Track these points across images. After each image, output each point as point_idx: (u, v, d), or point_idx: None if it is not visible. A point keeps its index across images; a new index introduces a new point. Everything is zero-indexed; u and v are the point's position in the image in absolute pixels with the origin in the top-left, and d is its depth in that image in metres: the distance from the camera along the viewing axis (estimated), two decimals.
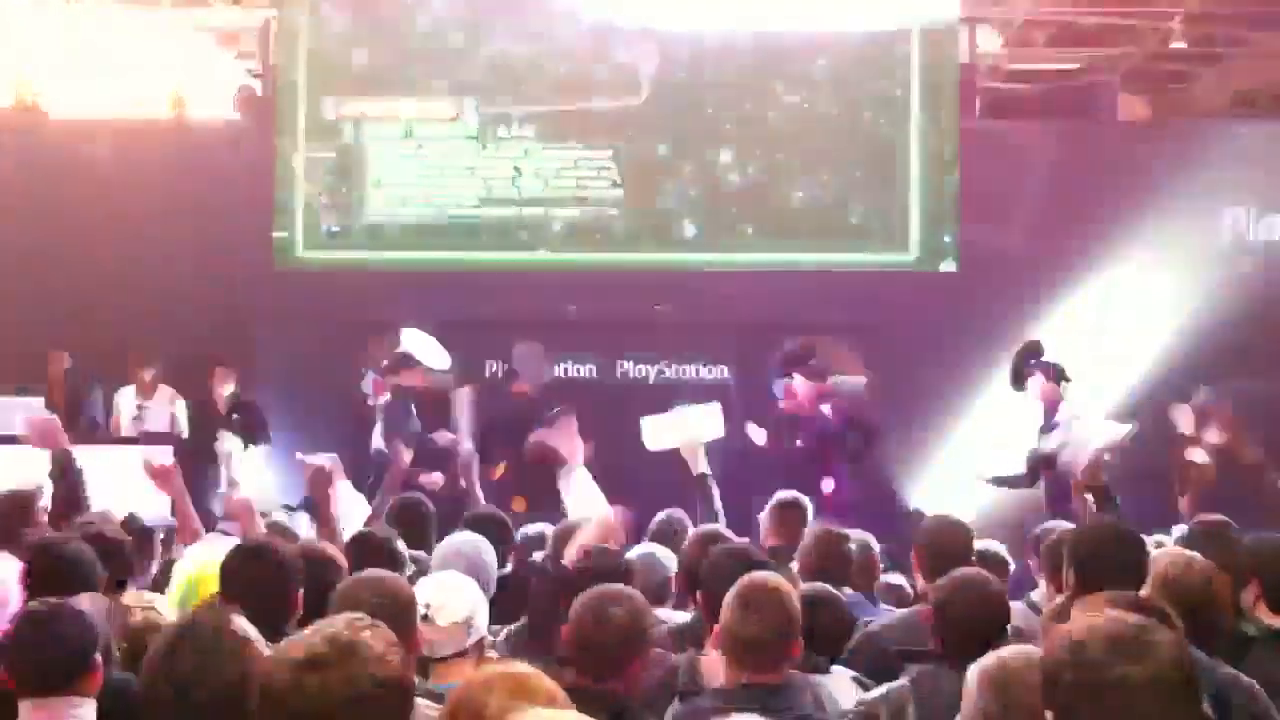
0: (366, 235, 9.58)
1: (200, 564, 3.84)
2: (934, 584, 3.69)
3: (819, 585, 4.08)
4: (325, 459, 5.60)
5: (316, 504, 5.05)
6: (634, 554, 4.51)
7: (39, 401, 8.21)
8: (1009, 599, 4.76)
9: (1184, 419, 7.96)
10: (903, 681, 3.41)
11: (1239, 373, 8.93)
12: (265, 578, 3.42)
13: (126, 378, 8.86)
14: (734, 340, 9.25)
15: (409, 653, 3.11)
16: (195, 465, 7.82)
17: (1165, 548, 4.08)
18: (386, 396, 8.00)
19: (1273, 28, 11.63)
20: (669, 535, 5.16)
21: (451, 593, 3.35)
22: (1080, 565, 3.74)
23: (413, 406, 7.89)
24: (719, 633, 3.23)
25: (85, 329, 8.88)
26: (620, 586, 3.40)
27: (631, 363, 9.45)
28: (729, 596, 3.24)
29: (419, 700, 2.69)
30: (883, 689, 3.42)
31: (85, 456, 6.47)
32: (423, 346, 8.04)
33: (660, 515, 5.53)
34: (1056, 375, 7.83)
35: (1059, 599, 4.08)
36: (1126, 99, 11.11)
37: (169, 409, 8.72)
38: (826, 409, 8.36)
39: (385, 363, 8.13)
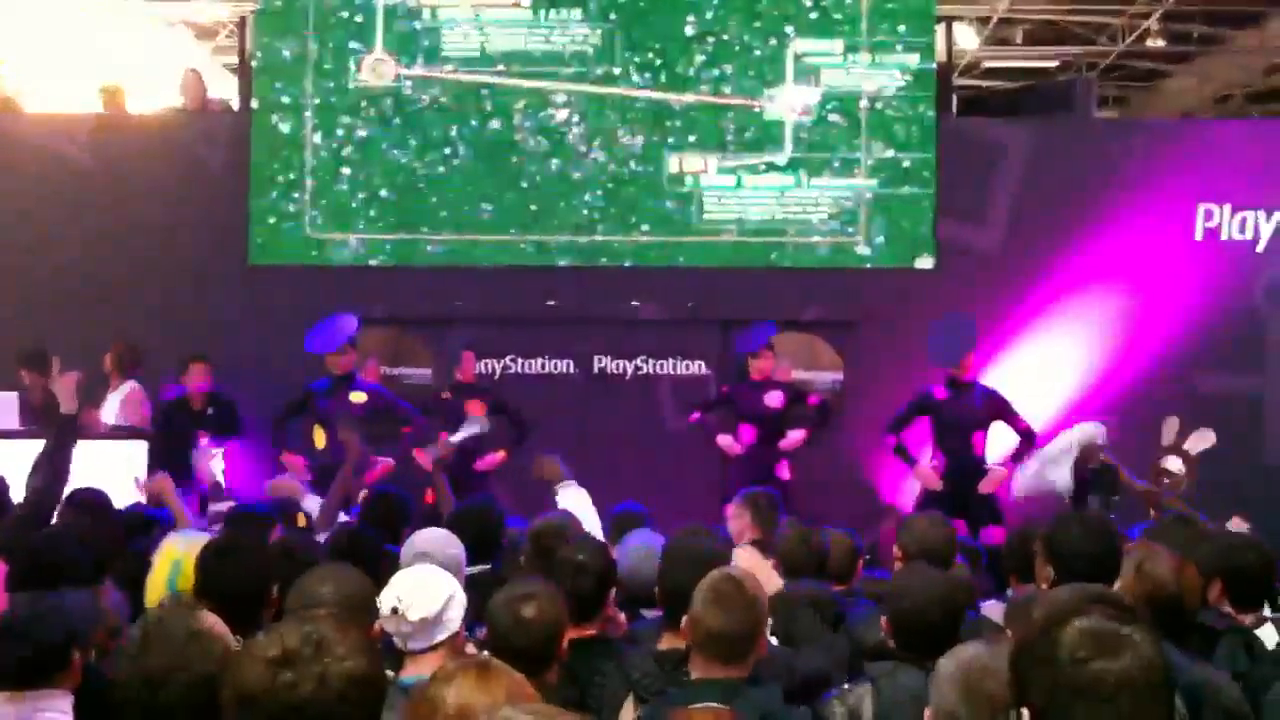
0: (330, 231, 9.45)
1: (186, 549, 3.82)
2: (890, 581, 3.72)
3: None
4: (289, 484, 5.65)
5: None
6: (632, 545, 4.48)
7: (11, 397, 8.17)
8: (989, 597, 4.81)
9: (1168, 429, 8.02)
10: (861, 680, 3.42)
11: (1212, 370, 9.01)
12: (240, 574, 3.42)
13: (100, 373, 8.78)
14: (714, 335, 9.26)
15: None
16: (169, 459, 7.80)
17: (1135, 543, 4.09)
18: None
19: (1248, 25, 11.70)
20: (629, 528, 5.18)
21: (424, 587, 3.34)
22: (1056, 558, 3.76)
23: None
24: (687, 626, 3.24)
25: (57, 326, 8.81)
26: (535, 583, 3.41)
27: (609, 359, 9.44)
28: (699, 590, 3.24)
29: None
30: (841, 687, 3.43)
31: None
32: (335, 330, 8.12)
33: (620, 508, 5.57)
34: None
35: (1031, 591, 4.11)
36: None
37: (136, 403, 8.64)
38: (774, 396, 8.49)
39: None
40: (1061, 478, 7.44)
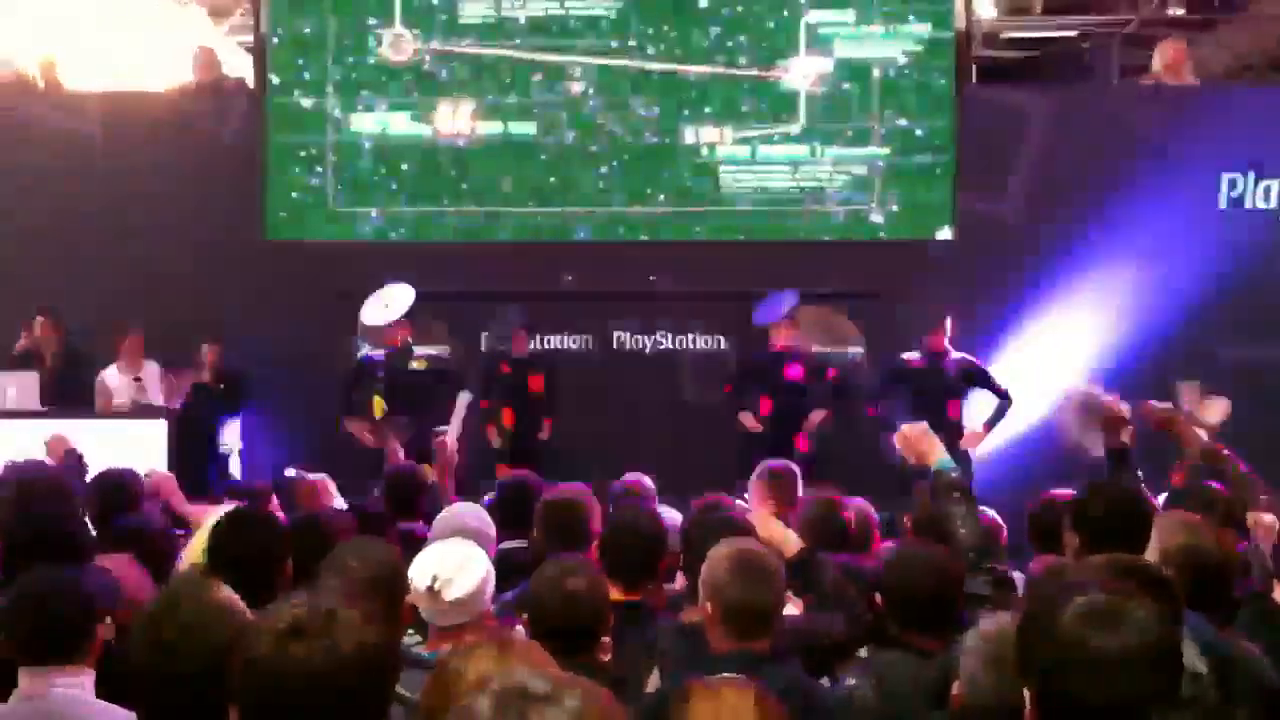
0: (351, 205, 9.47)
1: None
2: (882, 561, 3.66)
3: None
4: (316, 478, 5.65)
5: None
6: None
7: (32, 376, 8.19)
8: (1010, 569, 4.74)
9: (1188, 396, 7.91)
10: (858, 668, 3.36)
11: (1235, 339, 8.90)
12: (254, 547, 3.41)
13: (113, 352, 8.79)
14: (731, 310, 9.20)
15: (398, 621, 3.09)
16: (185, 436, 7.84)
17: (1169, 512, 4.02)
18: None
19: None
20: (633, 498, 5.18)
21: (462, 567, 3.30)
22: (1083, 527, 3.70)
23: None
24: (706, 596, 3.18)
25: (72, 303, 8.82)
26: (577, 558, 3.37)
27: (627, 333, 9.42)
28: (718, 560, 3.19)
29: (411, 668, 2.67)
30: (852, 674, 3.37)
31: (80, 429, 6.51)
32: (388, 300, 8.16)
33: (621, 481, 5.56)
34: None
35: (1054, 561, 4.05)
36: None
37: (156, 382, 8.67)
38: (794, 368, 8.51)
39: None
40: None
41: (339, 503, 5.76)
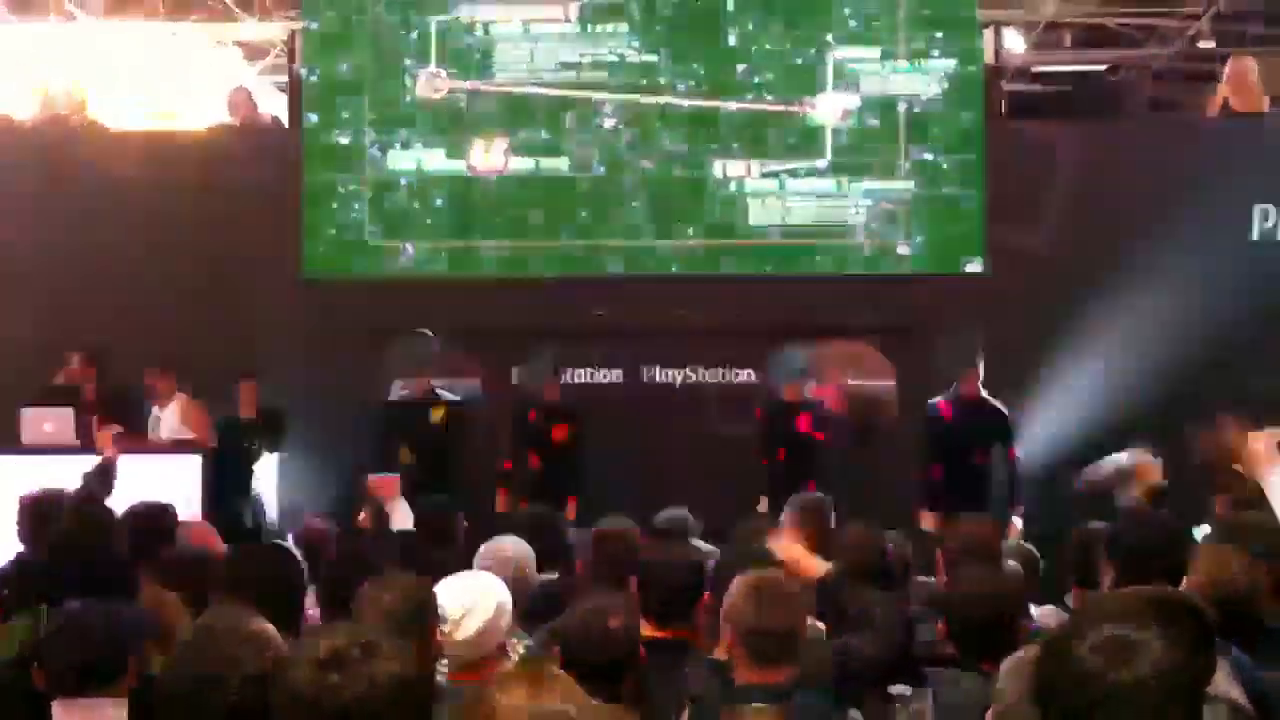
0: (386, 240, 9.57)
1: None
2: (943, 586, 3.66)
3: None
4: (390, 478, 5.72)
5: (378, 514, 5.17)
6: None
7: (68, 413, 8.26)
8: (1043, 601, 4.73)
9: (1229, 428, 7.83)
10: (921, 688, 3.36)
11: (1269, 374, 8.83)
12: (272, 580, 3.44)
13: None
14: (762, 344, 9.20)
15: (430, 653, 3.11)
16: (221, 473, 7.87)
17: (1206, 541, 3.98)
18: None
19: None
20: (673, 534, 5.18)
21: (468, 607, 3.32)
22: (1119, 558, 3.68)
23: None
24: (725, 624, 3.17)
25: (110, 341, 8.88)
26: (611, 595, 3.37)
27: (657, 367, 9.45)
28: (740, 591, 3.19)
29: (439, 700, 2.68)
30: (901, 691, 3.37)
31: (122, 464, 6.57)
32: None
33: (664, 514, 5.56)
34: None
35: (1094, 594, 4.02)
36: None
37: (182, 417, 8.71)
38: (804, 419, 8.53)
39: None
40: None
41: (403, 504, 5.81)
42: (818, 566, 3.82)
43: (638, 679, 3.12)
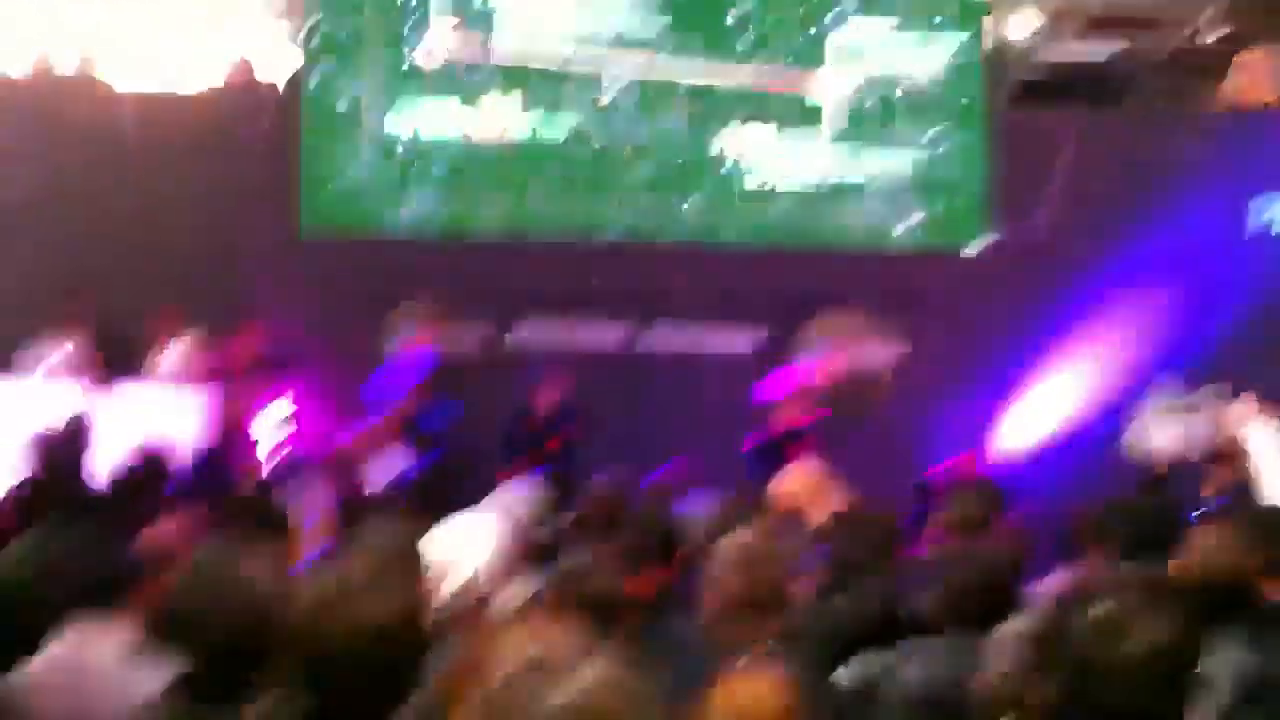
0: (388, 203, 9.55)
1: None
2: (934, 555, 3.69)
3: None
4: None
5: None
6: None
7: (71, 346, 8.29)
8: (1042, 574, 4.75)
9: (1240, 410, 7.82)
10: (901, 653, 3.38)
11: (1266, 367, 8.85)
12: (269, 511, 3.50)
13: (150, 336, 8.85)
14: (761, 315, 9.20)
15: (422, 596, 3.13)
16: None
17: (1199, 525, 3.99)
18: None
19: None
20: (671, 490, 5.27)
21: (455, 559, 3.36)
22: (1109, 539, 3.71)
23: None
24: (710, 589, 3.21)
25: (107, 301, 8.87)
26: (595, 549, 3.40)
27: (655, 335, 9.45)
28: (726, 552, 3.23)
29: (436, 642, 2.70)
30: (880, 661, 3.39)
31: (123, 394, 6.61)
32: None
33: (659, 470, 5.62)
34: None
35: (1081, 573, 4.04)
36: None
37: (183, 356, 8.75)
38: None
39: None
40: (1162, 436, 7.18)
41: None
42: (823, 508, 3.85)
43: (625, 629, 3.16)
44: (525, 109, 9.48)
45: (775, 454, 8.08)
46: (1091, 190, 9.24)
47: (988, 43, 9.59)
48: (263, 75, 10.23)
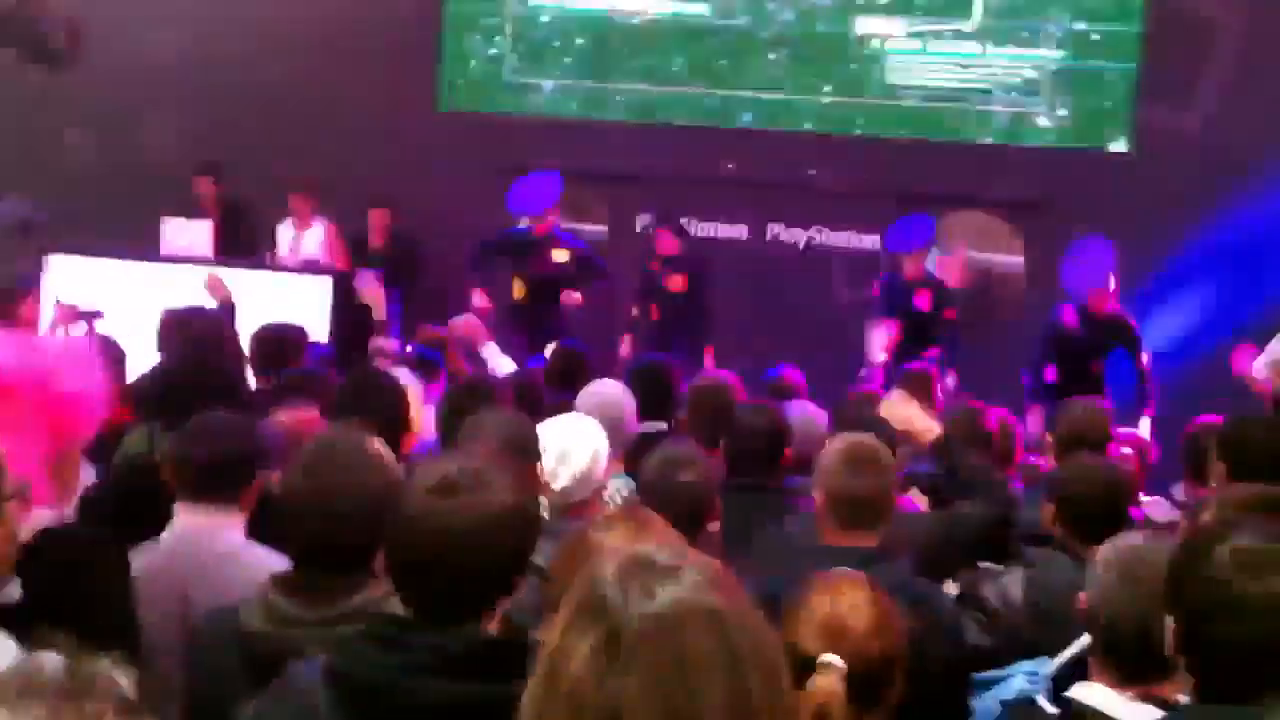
0: (526, 77, 9.55)
1: None
2: (1054, 469, 3.66)
3: None
4: (471, 324, 5.84)
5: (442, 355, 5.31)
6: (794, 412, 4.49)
7: (206, 225, 8.50)
8: (1151, 493, 4.69)
9: None
10: (1012, 565, 3.38)
11: None
12: (382, 399, 3.58)
13: (286, 209, 9.05)
14: (891, 209, 9.06)
15: (533, 488, 3.21)
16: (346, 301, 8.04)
17: None
18: None
19: None
20: (783, 393, 5.26)
21: (563, 455, 3.42)
22: (1229, 457, 3.65)
23: None
24: (818, 486, 3.21)
25: (245, 158, 9.06)
26: (687, 447, 3.46)
27: (783, 226, 9.37)
28: (831, 451, 3.22)
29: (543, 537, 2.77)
30: (990, 570, 3.39)
31: (246, 280, 6.76)
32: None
33: (772, 372, 5.62)
34: None
35: (1204, 494, 3.98)
36: None
37: (322, 241, 8.93)
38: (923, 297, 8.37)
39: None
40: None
41: (491, 346, 5.94)
42: (930, 429, 3.84)
43: (713, 530, 3.22)
44: None
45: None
46: (1250, 82, 8.80)
47: None
48: None
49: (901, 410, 3.89)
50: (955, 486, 3.81)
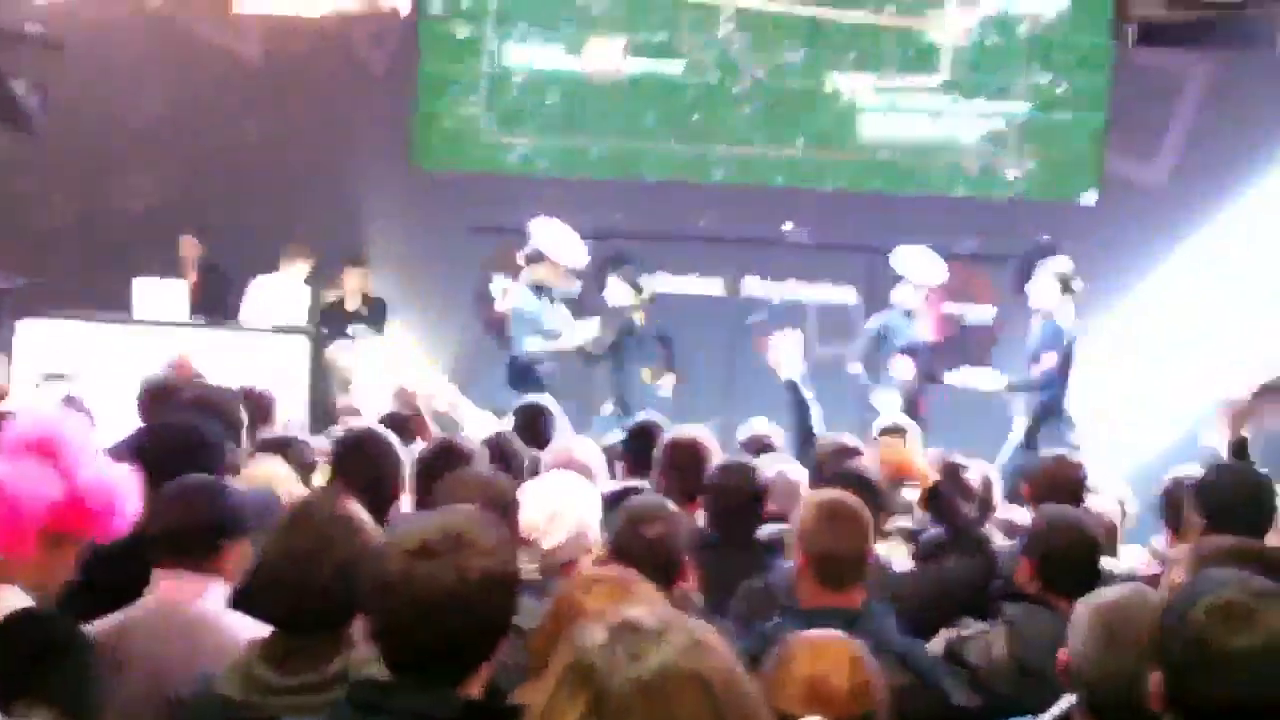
0: (500, 135, 9.60)
1: None
2: (1031, 521, 3.66)
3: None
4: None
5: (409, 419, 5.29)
6: (766, 468, 4.50)
7: (182, 285, 8.49)
8: (1132, 543, 4.71)
9: None
10: (993, 622, 3.37)
11: None
12: (375, 463, 3.55)
13: (260, 266, 9.04)
14: (862, 262, 9.11)
15: (513, 548, 3.18)
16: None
17: None
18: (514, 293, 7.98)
19: None
20: (760, 449, 5.26)
21: (553, 515, 3.40)
22: (1206, 509, 3.66)
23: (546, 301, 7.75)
24: (796, 543, 3.20)
25: (222, 219, 9.07)
26: (657, 501, 3.43)
27: (757, 278, 9.41)
28: (811, 511, 3.20)
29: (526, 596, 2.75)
30: (973, 628, 3.39)
31: (216, 341, 6.72)
32: (555, 239, 7.96)
33: (746, 428, 5.62)
34: (1063, 284, 7.47)
35: (1179, 545, 4.00)
36: None
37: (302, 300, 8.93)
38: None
39: (523, 254, 8.01)
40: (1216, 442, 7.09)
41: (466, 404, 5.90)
42: (926, 475, 3.81)
43: (688, 586, 3.20)
44: (641, 41, 9.44)
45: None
46: (1214, 136, 8.94)
47: None
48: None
49: (901, 452, 3.86)
50: (941, 540, 3.80)
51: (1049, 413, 7.46)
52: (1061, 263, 7.53)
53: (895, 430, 5.31)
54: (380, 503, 3.27)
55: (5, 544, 2.46)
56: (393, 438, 3.81)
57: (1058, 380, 7.42)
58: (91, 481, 2.57)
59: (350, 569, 2.37)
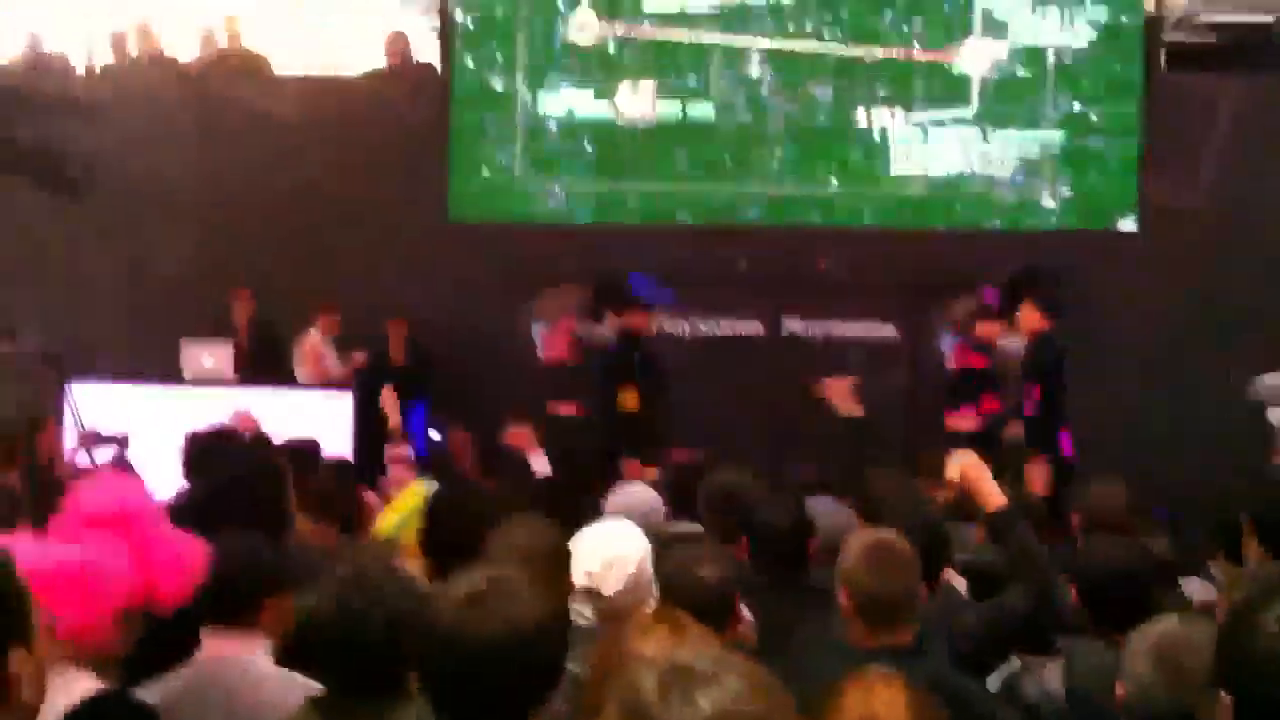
0: (536, 184, 9.68)
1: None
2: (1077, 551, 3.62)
3: None
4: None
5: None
6: (816, 507, 4.46)
7: (228, 346, 8.58)
8: (1186, 572, 4.64)
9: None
10: (1052, 654, 3.34)
11: None
12: (467, 521, 3.54)
13: (301, 324, 9.13)
14: (904, 299, 9.09)
15: (564, 596, 3.19)
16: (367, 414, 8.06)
17: None
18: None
19: None
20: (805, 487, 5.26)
21: (611, 563, 3.39)
22: (1265, 533, 3.61)
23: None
24: (841, 587, 3.16)
25: (264, 278, 9.16)
26: (707, 544, 3.42)
27: (797, 319, 9.40)
28: (855, 551, 3.16)
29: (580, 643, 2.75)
30: (1028, 662, 3.35)
31: (269, 400, 6.80)
32: (644, 286, 7.93)
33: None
34: (1048, 309, 7.25)
35: (1238, 569, 3.95)
36: None
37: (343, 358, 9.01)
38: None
39: (612, 304, 7.92)
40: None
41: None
42: (996, 498, 3.63)
43: (743, 630, 3.17)
44: (671, 85, 9.51)
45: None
46: (1252, 158, 8.89)
47: (1148, 4, 9.28)
48: (420, 56, 10.41)
49: (973, 470, 3.68)
50: (1001, 571, 3.70)
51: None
52: (1045, 288, 7.41)
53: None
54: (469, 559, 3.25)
55: (85, 629, 2.40)
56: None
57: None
58: (166, 557, 2.57)
59: (402, 625, 2.37)
